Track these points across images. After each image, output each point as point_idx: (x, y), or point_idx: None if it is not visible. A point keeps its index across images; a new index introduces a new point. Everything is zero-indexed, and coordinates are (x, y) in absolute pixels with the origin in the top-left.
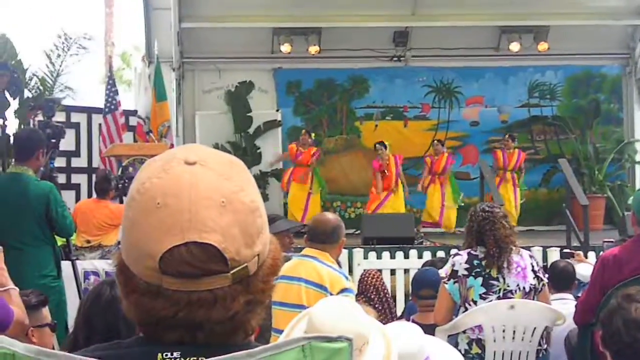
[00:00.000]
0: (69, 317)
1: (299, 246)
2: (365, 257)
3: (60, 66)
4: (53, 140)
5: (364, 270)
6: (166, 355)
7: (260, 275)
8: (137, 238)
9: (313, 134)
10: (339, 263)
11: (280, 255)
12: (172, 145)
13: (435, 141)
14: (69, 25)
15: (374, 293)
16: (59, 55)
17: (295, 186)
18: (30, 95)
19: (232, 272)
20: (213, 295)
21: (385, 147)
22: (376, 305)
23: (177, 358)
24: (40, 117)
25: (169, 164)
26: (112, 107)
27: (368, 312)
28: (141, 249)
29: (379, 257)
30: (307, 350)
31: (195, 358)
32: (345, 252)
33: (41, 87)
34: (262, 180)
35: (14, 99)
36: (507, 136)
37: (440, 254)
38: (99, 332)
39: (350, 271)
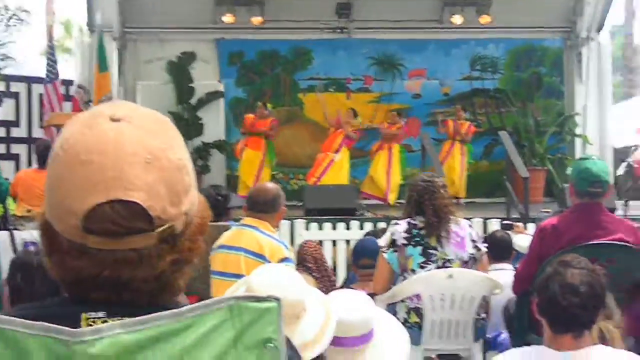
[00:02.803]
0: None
1: (237, 217)
2: (307, 229)
3: (1, 37)
4: None
5: (303, 241)
6: (90, 314)
7: (187, 234)
8: (60, 195)
9: (268, 105)
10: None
11: (209, 215)
12: None
13: (393, 112)
14: None
15: (312, 262)
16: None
17: (248, 152)
18: None
19: (157, 230)
20: (138, 254)
21: (355, 116)
22: (314, 275)
23: (101, 317)
24: None
25: (94, 120)
26: (53, 76)
27: (307, 280)
28: (65, 207)
29: (320, 228)
30: (235, 310)
31: (120, 317)
32: (287, 223)
33: None
34: (204, 151)
35: None
36: (459, 107)
37: (382, 225)
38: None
39: (292, 242)
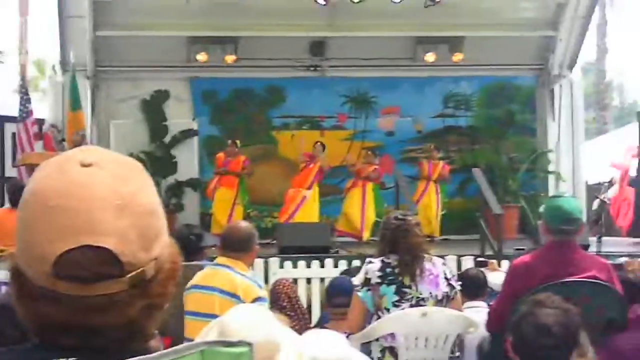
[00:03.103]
0: None
1: (212, 255)
2: (281, 267)
3: None
4: None
5: (277, 279)
6: None
7: (158, 279)
8: (30, 241)
9: (238, 142)
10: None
11: (180, 259)
12: None
13: (366, 150)
14: None
15: (286, 301)
16: None
17: (221, 191)
18: None
19: (128, 276)
20: (109, 299)
21: (324, 149)
22: (289, 313)
23: None
24: None
25: (65, 165)
26: (25, 115)
27: (281, 320)
28: (34, 252)
29: (294, 266)
30: (207, 355)
31: None
32: (260, 261)
33: None
34: (178, 189)
35: None
36: (432, 146)
37: (357, 263)
38: (13, 343)
39: (267, 281)
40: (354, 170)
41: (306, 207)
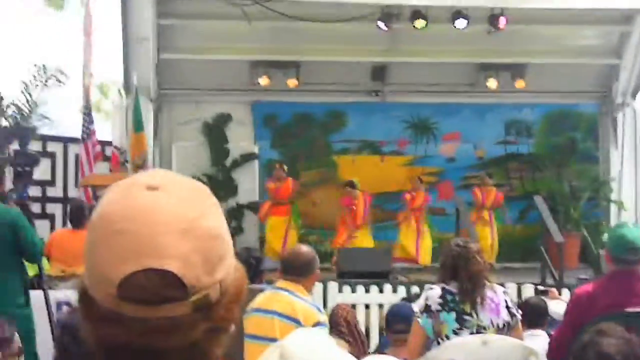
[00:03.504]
0: (38, 346)
1: (272, 279)
2: (340, 291)
3: (38, 96)
4: (27, 169)
5: (336, 304)
6: None
7: (223, 302)
8: (96, 263)
9: (285, 166)
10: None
11: (245, 283)
12: None
13: (417, 177)
14: (48, 54)
15: (345, 326)
16: (36, 86)
17: (273, 219)
18: (7, 124)
19: (191, 299)
20: (172, 322)
21: (354, 187)
22: (348, 339)
23: None
24: (16, 146)
25: (131, 188)
26: (86, 136)
27: (340, 345)
28: (100, 275)
29: (353, 291)
30: None
31: None
32: (319, 286)
33: (18, 116)
34: (238, 212)
35: None
36: (484, 174)
37: (415, 289)
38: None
39: (325, 305)
40: (405, 202)
41: (359, 238)
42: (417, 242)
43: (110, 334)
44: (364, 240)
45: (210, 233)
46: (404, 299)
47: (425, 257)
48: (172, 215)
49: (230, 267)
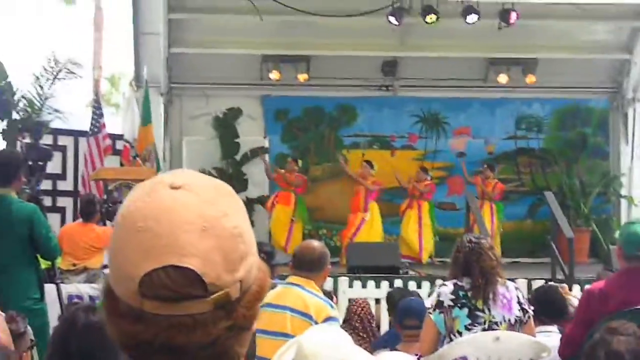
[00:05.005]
0: None
1: (283, 274)
2: (350, 286)
3: (49, 89)
4: (40, 163)
5: (351, 299)
6: None
7: (244, 301)
8: (119, 261)
9: (300, 161)
10: (325, 291)
11: (268, 283)
12: (155, 169)
13: (420, 168)
14: (58, 47)
15: (359, 322)
16: (47, 79)
17: (279, 209)
18: (18, 117)
19: (212, 297)
20: (193, 319)
21: (372, 167)
22: (361, 334)
23: None
24: (27, 140)
25: (154, 188)
26: (96, 130)
27: (354, 340)
28: (123, 272)
29: (364, 286)
30: None
31: None
32: (330, 280)
33: (29, 110)
34: (247, 206)
35: (2, 121)
36: (485, 166)
37: (426, 284)
38: (75, 358)
39: (336, 299)
40: (408, 189)
41: (366, 228)
42: (419, 237)
43: (133, 331)
44: (372, 230)
45: (232, 232)
46: (391, 291)
47: (426, 252)
48: (193, 214)
49: (252, 265)
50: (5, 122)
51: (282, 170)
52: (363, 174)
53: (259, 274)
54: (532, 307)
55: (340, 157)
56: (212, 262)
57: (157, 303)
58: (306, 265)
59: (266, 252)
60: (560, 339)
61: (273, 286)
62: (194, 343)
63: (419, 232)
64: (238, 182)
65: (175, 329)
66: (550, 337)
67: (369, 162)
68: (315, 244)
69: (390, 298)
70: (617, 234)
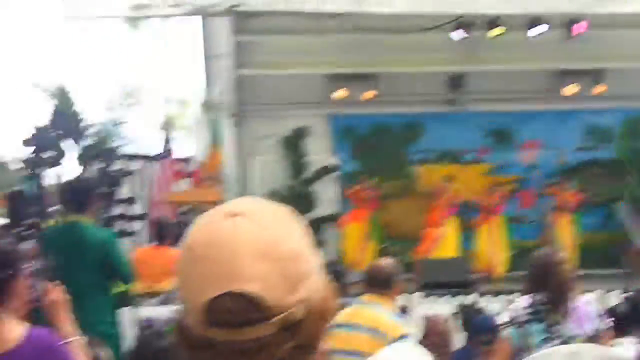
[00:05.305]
0: None
1: (357, 292)
2: (423, 302)
3: (120, 116)
4: (113, 188)
5: (427, 316)
6: None
7: (309, 321)
8: (184, 290)
9: (374, 179)
10: (400, 307)
11: (334, 301)
12: (224, 191)
13: (491, 184)
14: (129, 74)
15: (438, 338)
16: (118, 106)
17: (352, 226)
18: (91, 144)
19: (275, 319)
20: (258, 343)
21: (449, 181)
22: (440, 351)
23: None
24: (100, 165)
25: (214, 216)
26: (165, 154)
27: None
28: (188, 302)
29: (436, 302)
30: None
31: None
32: (403, 297)
33: (101, 136)
34: (316, 226)
35: (76, 145)
36: (561, 178)
37: (499, 299)
38: None
39: (409, 315)
40: (480, 203)
41: (444, 244)
42: (492, 250)
43: (202, 358)
44: (449, 241)
45: (290, 254)
46: (461, 308)
47: (500, 267)
48: (250, 239)
49: (315, 284)
50: (79, 148)
51: (357, 187)
52: (443, 189)
53: (324, 293)
54: (608, 320)
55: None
56: (272, 285)
57: (222, 330)
58: (378, 283)
59: (335, 271)
60: None
61: (345, 305)
62: None
63: (492, 246)
64: (307, 201)
65: (242, 354)
66: (628, 349)
67: (448, 177)
68: (386, 261)
69: (464, 314)
70: None
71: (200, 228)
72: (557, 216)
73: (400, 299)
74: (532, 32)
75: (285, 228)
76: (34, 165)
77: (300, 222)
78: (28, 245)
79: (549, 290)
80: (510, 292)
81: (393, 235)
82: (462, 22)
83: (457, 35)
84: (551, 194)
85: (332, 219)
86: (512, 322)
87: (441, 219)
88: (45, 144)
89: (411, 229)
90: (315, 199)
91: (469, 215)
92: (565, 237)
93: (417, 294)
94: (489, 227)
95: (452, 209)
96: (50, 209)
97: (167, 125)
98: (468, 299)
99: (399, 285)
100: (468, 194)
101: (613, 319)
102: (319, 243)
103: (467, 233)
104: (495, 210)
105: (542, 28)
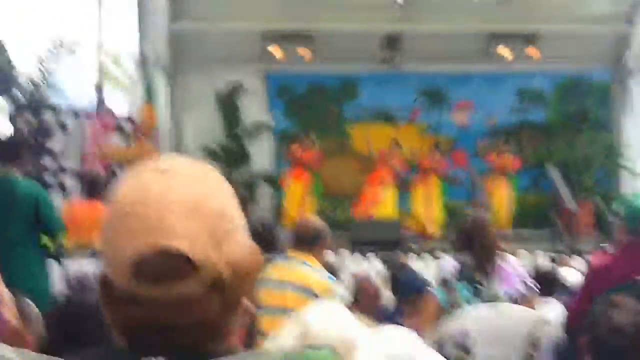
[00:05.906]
0: None
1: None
2: (352, 260)
3: (51, 69)
4: (44, 141)
5: (354, 274)
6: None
7: (236, 279)
8: (109, 246)
9: (314, 138)
10: (329, 265)
11: (260, 261)
12: (158, 148)
13: (433, 144)
14: (62, 28)
15: (365, 297)
16: (50, 59)
17: (294, 185)
18: (20, 96)
19: (202, 276)
20: (185, 299)
21: (400, 147)
22: (366, 309)
23: None
24: (29, 118)
25: (141, 173)
26: (99, 108)
27: (358, 316)
28: (113, 257)
29: (365, 259)
30: (290, 358)
31: None
32: (331, 254)
33: (32, 89)
34: (251, 182)
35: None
36: (501, 141)
37: (427, 257)
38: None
39: (337, 274)
40: (418, 164)
41: (383, 204)
42: (427, 210)
43: (127, 314)
44: (389, 204)
45: (217, 212)
46: (385, 261)
47: (434, 226)
48: (179, 196)
49: (240, 244)
50: (9, 101)
51: (297, 146)
52: (391, 153)
53: (249, 252)
54: (532, 280)
55: (368, 141)
56: (200, 242)
57: (150, 285)
58: (306, 240)
59: (268, 228)
60: (567, 315)
61: (271, 260)
62: (188, 322)
63: (427, 206)
64: (241, 158)
65: (168, 309)
66: (552, 309)
67: (396, 141)
68: (314, 219)
69: (392, 273)
70: (616, 206)
71: (129, 184)
72: (493, 179)
73: (330, 257)
74: None
75: (212, 186)
76: None
77: (226, 181)
78: None
79: (475, 251)
80: (443, 251)
81: (327, 192)
82: None
83: None
84: (484, 156)
85: (267, 176)
86: (438, 282)
87: (383, 181)
88: None
89: (344, 187)
90: (249, 156)
91: (406, 176)
92: (501, 199)
93: (347, 252)
94: (425, 187)
95: (396, 173)
96: None
97: (101, 80)
98: (398, 258)
99: (326, 243)
100: (406, 154)
101: (536, 279)
102: (252, 199)
103: (404, 193)
104: (436, 170)
105: None
